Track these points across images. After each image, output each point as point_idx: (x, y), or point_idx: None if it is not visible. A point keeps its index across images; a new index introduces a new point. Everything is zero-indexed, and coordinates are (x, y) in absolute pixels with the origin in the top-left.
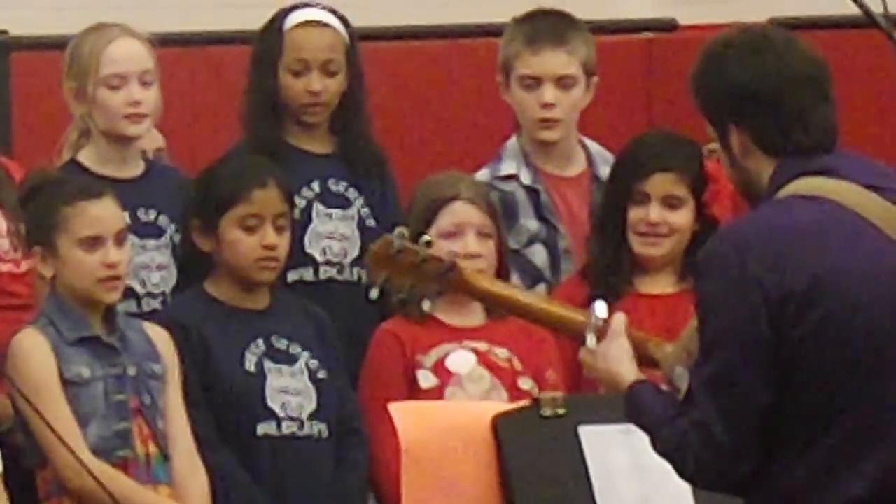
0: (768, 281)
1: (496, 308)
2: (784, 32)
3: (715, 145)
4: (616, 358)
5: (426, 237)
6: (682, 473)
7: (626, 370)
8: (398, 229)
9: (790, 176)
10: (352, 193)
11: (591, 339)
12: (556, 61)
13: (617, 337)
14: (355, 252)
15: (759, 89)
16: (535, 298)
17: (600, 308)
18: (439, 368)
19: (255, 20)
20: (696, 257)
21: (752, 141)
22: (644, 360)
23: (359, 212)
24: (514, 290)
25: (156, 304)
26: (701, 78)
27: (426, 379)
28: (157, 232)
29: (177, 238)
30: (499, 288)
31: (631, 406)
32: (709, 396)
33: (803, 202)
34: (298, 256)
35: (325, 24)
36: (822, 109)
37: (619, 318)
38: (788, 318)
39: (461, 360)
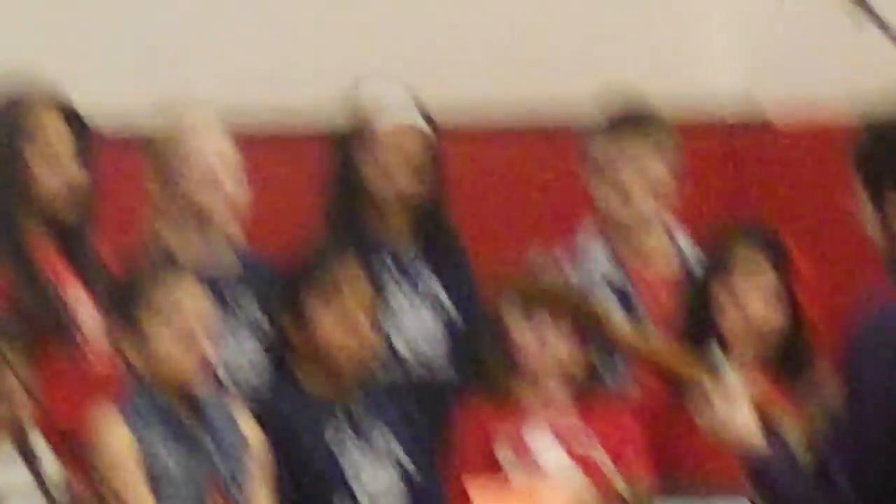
0: None
1: (622, 349)
2: None
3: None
4: (740, 419)
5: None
6: None
7: (748, 431)
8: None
9: None
10: (437, 289)
11: (708, 384)
12: (648, 165)
13: (739, 392)
14: (442, 349)
15: None
16: (644, 336)
17: (717, 354)
18: (519, 447)
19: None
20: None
21: None
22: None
23: (443, 306)
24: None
25: (244, 393)
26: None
27: (506, 457)
28: (248, 321)
29: (265, 326)
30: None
31: (756, 477)
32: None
33: None
34: (385, 355)
35: (417, 127)
36: None
37: (738, 375)
38: None
39: (549, 452)
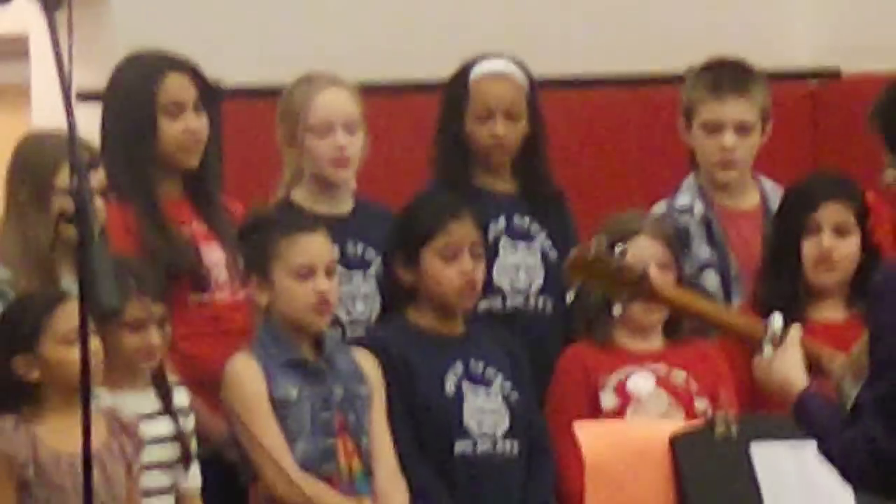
0: None
1: (681, 314)
2: None
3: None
4: (789, 367)
5: (621, 246)
6: (847, 478)
7: (798, 378)
8: (596, 238)
9: None
10: (534, 228)
11: (767, 349)
12: (738, 108)
13: (792, 347)
14: (539, 282)
15: None
16: (716, 307)
17: (777, 320)
18: (620, 390)
19: (444, 71)
20: (867, 283)
21: None
22: (816, 369)
23: (541, 245)
24: (698, 299)
25: (360, 331)
26: (888, 110)
27: (608, 399)
28: (363, 264)
29: (380, 270)
30: (684, 297)
31: (800, 412)
32: (877, 413)
33: None
34: (487, 288)
35: (508, 75)
36: None
37: (795, 330)
38: None
39: (641, 382)
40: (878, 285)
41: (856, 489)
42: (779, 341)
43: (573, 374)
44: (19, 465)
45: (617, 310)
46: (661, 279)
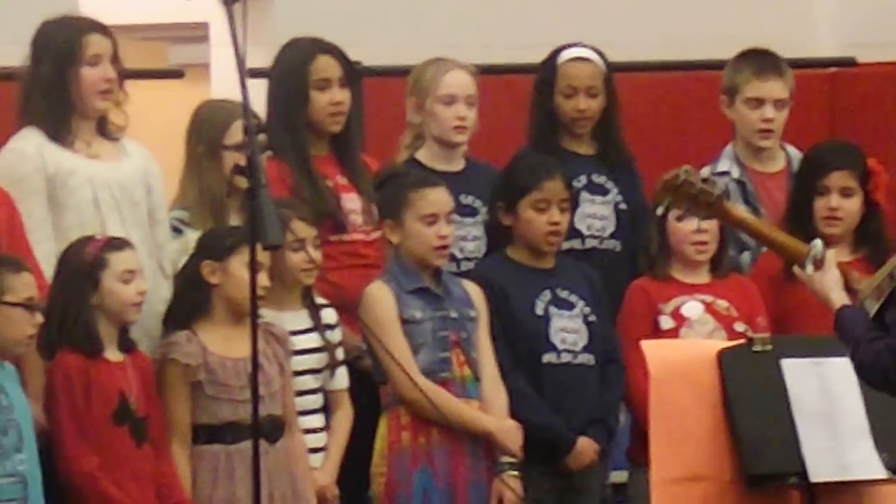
0: None
1: (743, 230)
2: None
3: None
4: (830, 284)
5: (705, 173)
6: (873, 384)
7: (837, 295)
8: (684, 167)
9: None
10: (609, 185)
11: (809, 267)
12: (777, 87)
13: (831, 267)
14: (611, 228)
15: None
16: (771, 228)
17: (819, 244)
18: (675, 314)
19: (537, 56)
20: (868, 232)
21: None
22: (845, 287)
23: (614, 199)
24: (758, 221)
25: (470, 265)
26: None
27: (666, 322)
28: (473, 212)
29: (486, 216)
30: (748, 218)
31: (838, 324)
32: None
33: None
34: (571, 231)
35: (588, 59)
36: None
37: (832, 253)
38: None
39: (692, 308)
40: None
41: (880, 390)
42: (820, 263)
43: (638, 302)
44: (192, 369)
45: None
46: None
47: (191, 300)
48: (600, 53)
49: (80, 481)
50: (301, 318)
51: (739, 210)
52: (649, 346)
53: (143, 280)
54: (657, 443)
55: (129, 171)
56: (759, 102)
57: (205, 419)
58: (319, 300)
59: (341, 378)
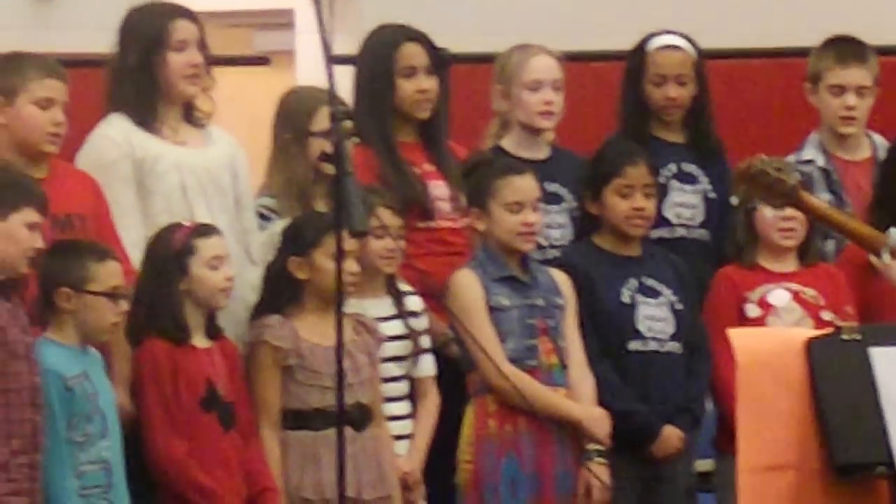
0: None
1: (819, 219)
2: None
3: None
4: None
5: (778, 163)
6: None
7: None
8: (759, 156)
9: None
10: (699, 173)
11: (886, 256)
12: (859, 75)
13: None
14: (701, 217)
15: None
16: (847, 218)
17: (895, 234)
18: (762, 303)
19: (626, 43)
20: None
21: None
22: None
23: (703, 187)
24: (833, 209)
25: (555, 253)
26: None
27: (752, 311)
28: (558, 200)
29: (571, 204)
30: (823, 207)
31: None
32: None
33: None
34: (659, 220)
35: (678, 47)
36: None
37: None
38: None
39: (779, 296)
40: None
41: None
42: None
43: (724, 290)
44: (284, 353)
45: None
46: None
47: (281, 294)
48: (691, 41)
49: (169, 468)
50: (385, 306)
51: (815, 199)
52: (736, 335)
53: (231, 266)
54: (744, 431)
55: (216, 158)
56: (841, 90)
57: (294, 405)
58: (404, 287)
59: (427, 366)
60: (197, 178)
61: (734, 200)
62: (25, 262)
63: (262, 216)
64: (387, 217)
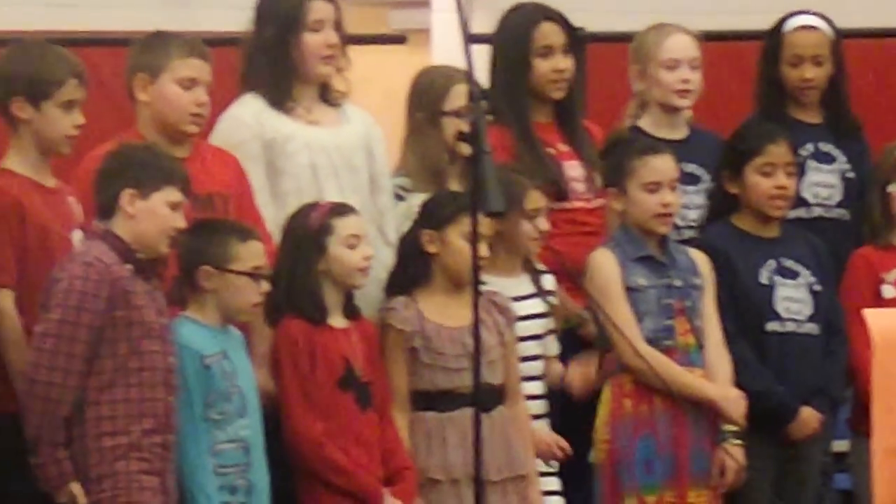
0: None
1: None
2: None
3: None
4: None
5: None
6: None
7: None
8: None
9: None
10: (836, 153)
11: None
12: None
13: None
14: (838, 197)
15: None
16: None
17: None
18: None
19: (763, 23)
20: None
21: None
22: None
23: (841, 167)
24: None
25: (692, 234)
26: None
27: (888, 292)
28: (695, 180)
29: (710, 185)
30: None
31: None
32: None
33: None
34: (796, 200)
35: (815, 27)
36: None
37: None
38: None
39: None
40: None
41: None
42: None
43: (860, 271)
44: (408, 335)
45: None
46: None
47: (412, 268)
48: (828, 21)
49: (307, 447)
50: (525, 284)
51: None
52: (873, 315)
53: (369, 245)
54: (879, 412)
55: (349, 137)
56: None
57: (421, 386)
58: (539, 266)
59: (552, 345)
60: (328, 157)
61: (892, 189)
62: (166, 242)
63: (397, 196)
64: (538, 198)
